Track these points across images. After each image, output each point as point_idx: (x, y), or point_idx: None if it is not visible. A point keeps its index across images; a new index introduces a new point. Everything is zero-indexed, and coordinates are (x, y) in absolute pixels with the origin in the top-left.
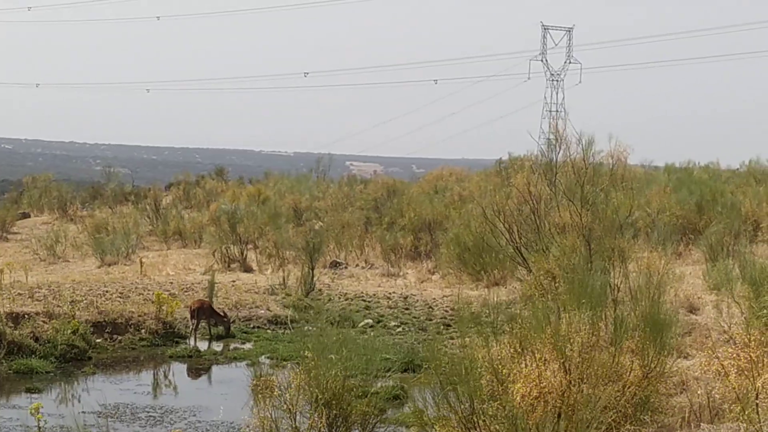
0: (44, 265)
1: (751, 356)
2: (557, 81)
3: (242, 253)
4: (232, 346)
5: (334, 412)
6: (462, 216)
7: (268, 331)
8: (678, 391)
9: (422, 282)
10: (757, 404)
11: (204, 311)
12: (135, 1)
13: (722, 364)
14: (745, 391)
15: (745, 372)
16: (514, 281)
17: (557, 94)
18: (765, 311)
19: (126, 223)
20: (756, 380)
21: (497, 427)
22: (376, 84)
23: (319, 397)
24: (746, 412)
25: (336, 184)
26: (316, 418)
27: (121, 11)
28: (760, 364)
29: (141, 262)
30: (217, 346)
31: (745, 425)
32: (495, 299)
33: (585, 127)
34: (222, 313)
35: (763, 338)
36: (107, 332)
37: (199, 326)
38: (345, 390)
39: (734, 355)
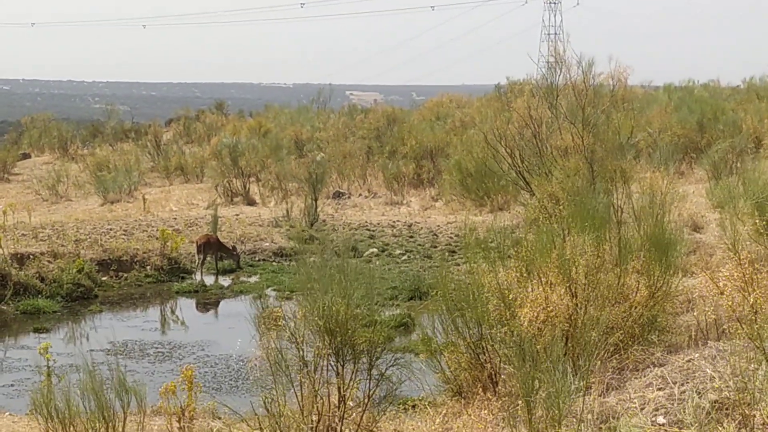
0: (47, 205)
1: (744, 274)
2: (555, 3)
3: (245, 187)
4: (238, 279)
5: (339, 339)
6: (463, 142)
7: (274, 263)
8: (684, 309)
9: (426, 209)
10: (756, 320)
11: (211, 246)
12: None
13: (717, 286)
14: (741, 309)
15: (741, 291)
16: (518, 206)
17: (555, 16)
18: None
19: (127, 160)
20: (750, 297)
21: (506, 352)
22: (373, 12)
23: (324, 326)
24: (744, 329)
25: (336, 114)
26: (321, 346)
27: None
28: (753, 281)
29: (144, 199)
30: (224, 281)
31: (746, 342)
32: (499, 224)
33: (584, 48)
34: (230, 247)
35: (754, 256)
36: (113, 270)
37: (206, 261)
38: (350, 317)
39: (729, 274)
